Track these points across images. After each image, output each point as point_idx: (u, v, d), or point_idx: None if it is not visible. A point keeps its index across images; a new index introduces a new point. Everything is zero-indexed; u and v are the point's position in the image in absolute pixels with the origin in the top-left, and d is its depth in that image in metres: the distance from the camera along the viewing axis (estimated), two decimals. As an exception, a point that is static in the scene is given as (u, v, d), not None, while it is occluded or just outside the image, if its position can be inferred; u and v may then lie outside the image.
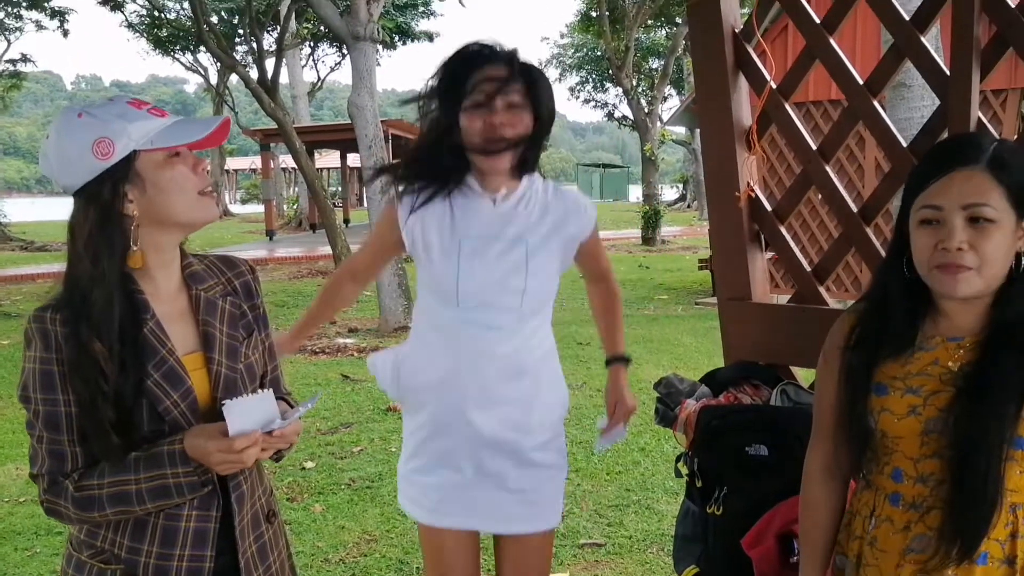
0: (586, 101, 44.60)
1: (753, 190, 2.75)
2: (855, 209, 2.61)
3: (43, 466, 1.58)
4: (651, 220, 21.49)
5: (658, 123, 25.49)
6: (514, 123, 2.04)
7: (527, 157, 2.12)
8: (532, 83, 2.06)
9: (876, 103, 2.55)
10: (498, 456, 2.20)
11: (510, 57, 2.06)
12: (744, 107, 2.78)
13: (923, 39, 2.43)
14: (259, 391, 1.62)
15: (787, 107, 2.70)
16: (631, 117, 27.85)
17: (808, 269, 2.72)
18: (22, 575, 3.99)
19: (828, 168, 2.66)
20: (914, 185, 1.58)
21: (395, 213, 2.16)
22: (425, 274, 2.17)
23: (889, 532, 1.60)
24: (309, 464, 5.46)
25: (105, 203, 1.55)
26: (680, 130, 31.74)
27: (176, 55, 30.56)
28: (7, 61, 31.09)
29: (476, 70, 2.03)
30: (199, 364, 1.66)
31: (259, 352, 1.78)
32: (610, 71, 29.78)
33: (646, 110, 25.50)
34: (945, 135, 2.39)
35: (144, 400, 1.57)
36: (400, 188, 2.17)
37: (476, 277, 2.09)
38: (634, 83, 25.70)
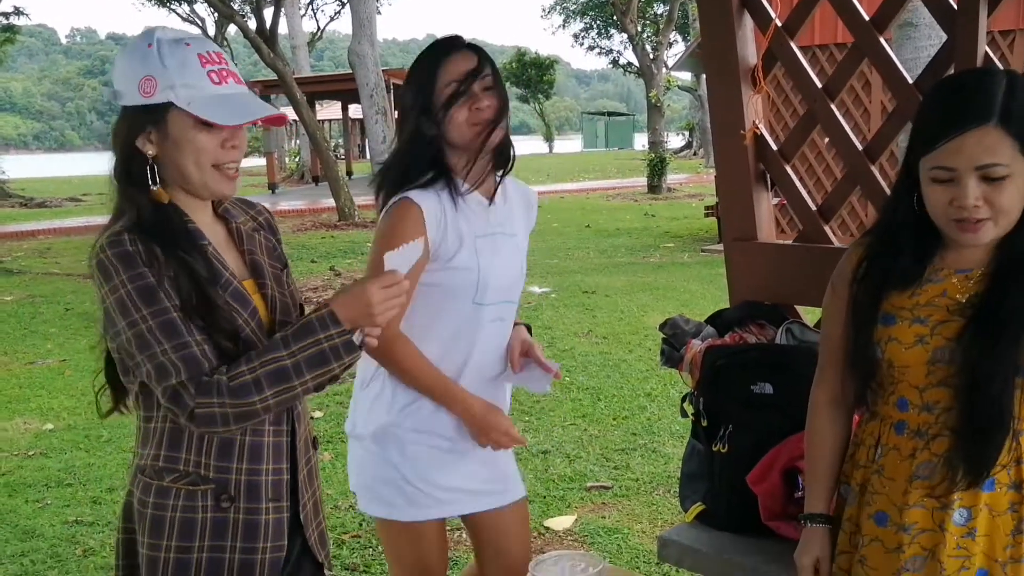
0: (590, 48, 44.13)
1: (759, 128, 2.73)
2: (860, 148, 2.59)
3: (180, 374, 1.51)
4: (657, 168, 21.37)
5: (663, 69, 25.23)
6: (493, 105, 2.08)
7: (503, 151, 2.15)
8: (494, 66, 2.12)
9: (882, 39, 2.52)
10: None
11: (471, 45, 2.11)
12: (749, 45, 2.75)
13: (931, -28, 2.40)
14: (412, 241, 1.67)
15: (792, 45, 2.67)
16: (636, 64, 27.58)
17: (813, 208, 2.71)
18: (33, 526, 4.04)
19: (833, 107, 2.64)
20: (924, 137, 1.55)
21: (418, 216, 2.04)
22: (439, 275, 2.10)
23: (896, 460, 1.63)
24: (318, 414, 5.51)
25: (131, 133, 1.59)
26: (686, 76, 31.43)
27: (172, 6, 30.23)
28: (0, 14, 30.76)
29: (445, 61, 2.07)
30: (253, 290, 1.70)
31: (292, 285, 1.82)
32: (614, 16, 29.39)
33: (651, 56, 25.24)
34: (952, 71, 2.36)
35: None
36: (406, 191, 2.08)
37: (496, 273, 2.13)
38: (639, 29, 25.42)
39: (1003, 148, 1.48)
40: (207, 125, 1.58)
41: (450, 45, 2.10)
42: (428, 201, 2.05)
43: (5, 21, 30.33)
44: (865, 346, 1.65)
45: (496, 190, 2.18)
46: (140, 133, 1.59)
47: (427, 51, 2.11)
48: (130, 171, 1.60)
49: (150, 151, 1.59)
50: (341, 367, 1.59)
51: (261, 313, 1.67)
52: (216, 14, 26.05)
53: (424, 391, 2.13)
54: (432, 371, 2.12)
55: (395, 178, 2.12)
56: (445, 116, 2.05)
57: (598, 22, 42.13)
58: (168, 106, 1.56)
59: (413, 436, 2.16)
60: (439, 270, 2.09)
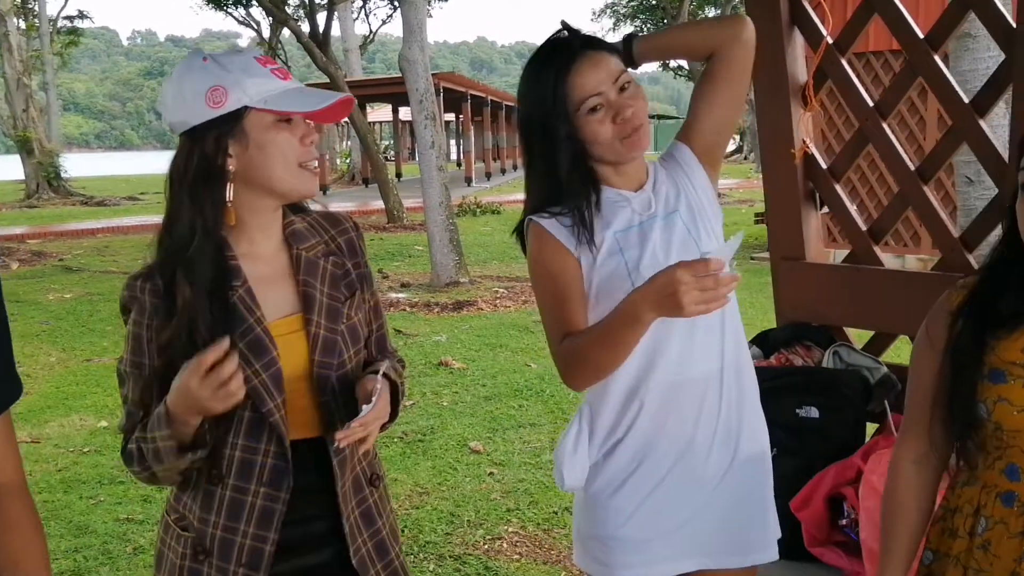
0: (640, 51, 43.90)
1: (808, 148, 2.70)
2: (912, 167, 2.55)
3: (122, 424, 1.60)
4: (706, 172, 21.15)
5: (714, 73, 25.02)
6: (636, 102, 1.80)
7: None
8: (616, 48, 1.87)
9: (937, 58, 2.47)
10: (708, 462, 1.83)
11: (589, 40, 1.80)
12: (799, 62, 2.72)
13: (988, -10, 2.35)
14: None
15: (843, 62, 2.63)
16: (686, 67, 27.39)
17: (864, 229, 2.67)
18: (87, 522, 4.13)
19: (885, 126, 2.59)
20: None
21: (558, 245, 1.81)
22: (596, 279, 1.83)
23: (1003, 536, 1.42)
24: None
25: (208, 152, 1.52)
26: (736, 80, 31.08)
27: (229, 9, 30.66)
28: (65, 18, 31.60)
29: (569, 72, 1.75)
30: (297, 326, 1.60)
31: (363, 312, 1.71)
32: (665, 20, 29.25)
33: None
34: (1009, 90, 2.32)
35: None
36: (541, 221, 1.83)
37: (649, 258, 1.80)
38: (689, 33, 25.24)
39: None
40: (286, 123, 1.56)
41: (567, 55, 1.76)
42: (561, 230, 1.81)
43: (70, 24, 31.16)
44: (965, 401, 1.44)
45: (646, 177, 1.88)
46: (221, 151, 1.53)
47: (540, 67, 1.79)
48: (212, 191, 1.53)
49: (231, 166, 1.54)
50: (181, 462, 1.51)
51: (297, 353, 1.59)
52: (271, 18, 26.39)
53: (598, 350, 1.73)
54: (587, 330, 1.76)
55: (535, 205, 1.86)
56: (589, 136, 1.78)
57: (648, 25, 41.89)
58: (243, 112, 1.52)
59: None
60: (593, 273, 1.82)
